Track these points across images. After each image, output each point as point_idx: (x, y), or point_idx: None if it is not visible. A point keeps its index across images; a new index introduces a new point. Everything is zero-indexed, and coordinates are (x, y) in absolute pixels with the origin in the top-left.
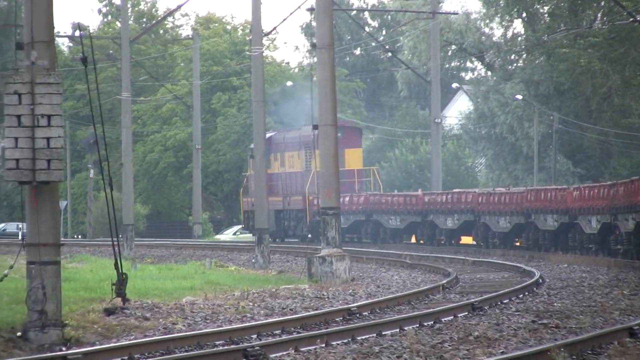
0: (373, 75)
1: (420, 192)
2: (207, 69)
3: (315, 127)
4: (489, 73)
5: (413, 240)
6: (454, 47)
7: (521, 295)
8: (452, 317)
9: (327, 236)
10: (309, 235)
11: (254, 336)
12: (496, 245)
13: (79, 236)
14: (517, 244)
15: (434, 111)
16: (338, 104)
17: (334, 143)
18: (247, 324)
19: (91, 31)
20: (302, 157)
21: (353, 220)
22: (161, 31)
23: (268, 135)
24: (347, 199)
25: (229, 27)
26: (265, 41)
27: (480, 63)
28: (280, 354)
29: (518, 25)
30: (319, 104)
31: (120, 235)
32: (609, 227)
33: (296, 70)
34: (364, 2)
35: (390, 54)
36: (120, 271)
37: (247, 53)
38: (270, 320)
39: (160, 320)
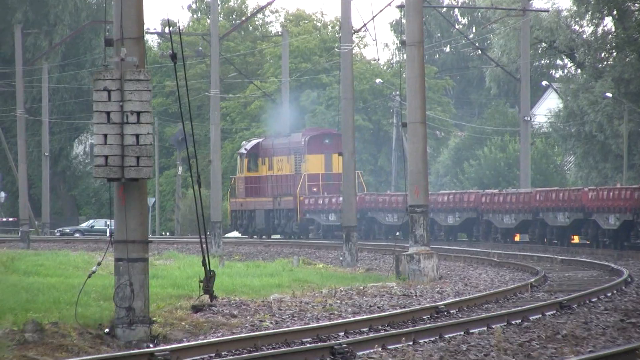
0: (462, 72)
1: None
2: (296, 66)
3: (404, 125)
4: (579, 71)
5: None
6: (544, 44)
7: (609, 294)
8: (539, 316)
9: (415, 234)
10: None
11: (342, 334)
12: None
13: (167, 233)
14: (574, 240)
15: (523, 109)
16: (427, 102)
17: (423, 141)
18: (335, 322)
19: (181, 28)
20: (291, 162)
21: None
22: (250, 28)
23: (256, 141)
24: (340, 198)
25: (318, 24)
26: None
27: (570, 61)
28: (368, 351)
29: (609, 23)
30: (408, 102)
31: (208, 233)
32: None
33: (385, 67)
34: (454, 0)
35: (480, 52)
36: (208, 268)
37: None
38: (357, 318)
39: (248, 317)
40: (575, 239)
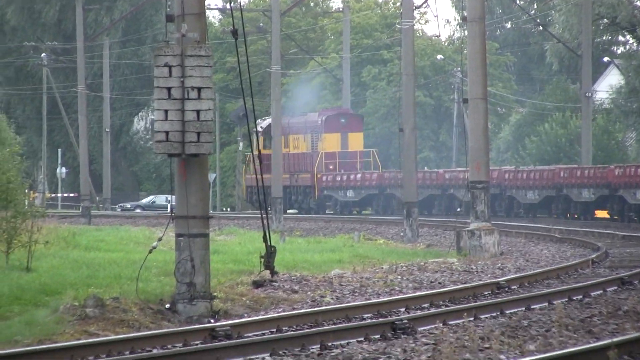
0: (524, 48)
1: (441, 170)
2: (358, 42)
3: (465, 101)
4: None
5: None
6: (605, 20)
7: None
8: (601, 292)
9: (476, 210)
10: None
11: (402, 309)
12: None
13: (228, 209)
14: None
15: (584, 85)
16: (488, 78)
17: (484, 117)
18: (396, 297)
19: (242, 4)
20: (307, 140)
21: (366, 194)
22: (312, 4)
23: (270, 120)
24: (359, 175)
25: (379, 0)
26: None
27: (632, 37)
28: (429, 327)
29: None
30: (469, 77)
31: (269, 208)
32: None
33: (446, 43)
34: None
35: (541, 28)
36: (269, 244)
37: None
38: (418, 293)
39: (309, 293)
40: (599, 214)
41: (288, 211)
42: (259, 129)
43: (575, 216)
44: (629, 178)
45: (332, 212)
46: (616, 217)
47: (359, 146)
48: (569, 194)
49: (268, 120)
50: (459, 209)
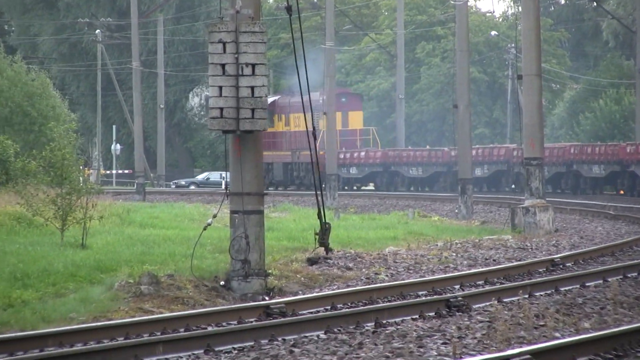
0: (578, 24)
1: (446, 148)
2: (412, 18)
3: (519, 77)
4: None
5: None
6: None
7: None
8: None
9: (530, 187)
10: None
11: (457, 287)
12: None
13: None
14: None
15: (639, 61)
16: (542, 54)
17: (539, 93)
18: (450, 275)
19: None
20: (309, 119)
21: (369, 172)
22: None
23: (272, 99)
24: (362, 153)
25: None
26: None
27: None
28: (483, 304)
29: None
30: (523, 54)
31: (323, 185)
32: None
33: (500, 19)
34: None
35: (595, 4)
36: (324, 221)
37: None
38: (473, 270)
39: (363, 270)
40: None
41: (288, 188)
42: None
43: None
44: None
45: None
46: None
47: (359, 124)
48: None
49: (269, 100)
50: (512, 186)
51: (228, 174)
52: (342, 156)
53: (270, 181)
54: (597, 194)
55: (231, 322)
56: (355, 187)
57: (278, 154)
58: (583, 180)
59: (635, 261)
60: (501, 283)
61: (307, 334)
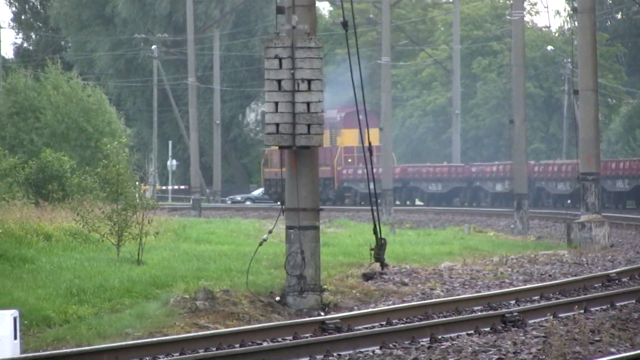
0: (634, 39)
1: (467, 165)
2: (468, 33)
3: (575, 92)
4: None
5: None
6: None
7: None
8: None
9: (586, 202)
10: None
11: (513, 302)
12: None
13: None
14: None
15: None
16: (598, 69)
17: (595, 108)
18: (506, 290)
19: None
20: (326, 135)
21: (386, 187)
22: None
23: None
24: (380, 169)
25: None
26: (526, 5)
27: None
28: (539, 319)
29: None
30: (580, 69)
31: (379, 201)
32: None
33: (557, 34)
34: None
35: None
36: (379, 236)
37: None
38: (528, 286)
39: (419, 285)
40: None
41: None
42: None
43: None
44: None
45: (350, 202)
46: None
47: (376, 141)
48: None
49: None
50: (569, 201)
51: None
52: (359, 172)
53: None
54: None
55: (287, 338)
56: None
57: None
58: (607, 195)
59: None
60: (557, 298)
61: (362, 349)
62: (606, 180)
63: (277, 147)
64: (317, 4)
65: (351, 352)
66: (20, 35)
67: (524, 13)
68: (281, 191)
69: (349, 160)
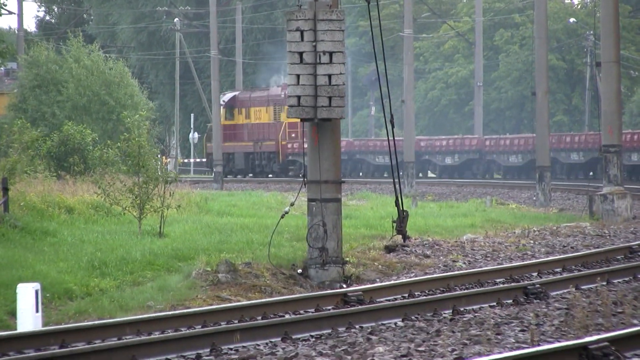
0: None
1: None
2: (490, 6)
3: (597, 64)
4: None
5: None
6: None
7: None
8: None
9: (608, 174)
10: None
11: (535, 274)
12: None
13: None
14: None
15: None
16: (621, 41)
17: (617, 80)
18: (528, 262)
19: None
20: (270, 112)
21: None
22: None
23: (232, 94)
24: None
25: None
26: None
27: None
28: (561, 292)
29: None
30: (602, 41)
31: (401, 173)
32: None
33: (579, 6)
34: None
35: None
36: (401, 208)
37: None
38: (550, 258)
39: (441, 257)
40: None
41: (248, 175)
42: (221, 102)
43: None
44: None
45: (293, 175)
46: None
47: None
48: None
49: (229, 95)
50: (591, 173)
51: (306, 161)
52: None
53: (231, 169)
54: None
55: (309, 310)
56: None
57: (239, 145)
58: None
59: None
60: (579, 270)
61: (384, 322)
62: (625, 153)
63: (220, 123)
64: None
65: (373, 324)
66: (43, 8)
67: None
68: (225, 164)
69: (292, 135)
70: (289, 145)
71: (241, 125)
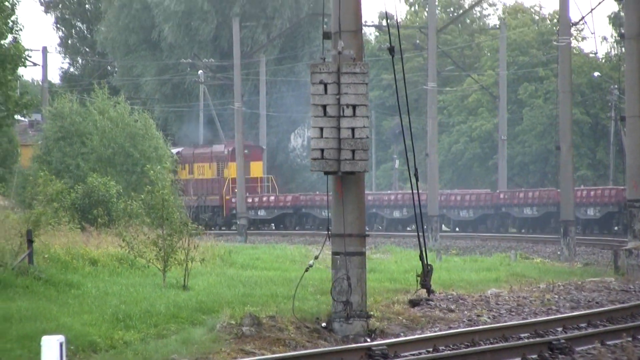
0: None
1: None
2: (514, 59)
3: (622, 119)
4: None
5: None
6: None
7: None
8: None
9: (634, 229)
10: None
11: (560, 329)
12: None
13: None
14: None
15: None
16: None
17: None
18: (553, 317)
19: (398, 21)
20: (213, 168)
21: (279, 213)
22: (468, 21)
23: (176, 150)
24: (272, 197)
25: (536, 17)
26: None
27: None
28: (586, 347)
29: None
30: (627, 95)
31: (425, 227)
32: None
33: (603, 60)
34: None
35: None
36: (426, 262)
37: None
38: (575, 313)
39: (465, 312)
40: None
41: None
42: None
43: None
44: None
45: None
46: None
47: (259, 173)
48: None
49: (173, 151)
50: (616, 228)
51: (330, 214)
52: (249, 200)
53: None
54: None
55: None
56: (265, 228)
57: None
58: None
59: None
60: (604, 325)
61: None
62: None
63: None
64: (364, 29)
65: None
66: (67, 59)
67: (571, 39)
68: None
69: (235, 190)
70: (233, 200)
71: (185, 181)
